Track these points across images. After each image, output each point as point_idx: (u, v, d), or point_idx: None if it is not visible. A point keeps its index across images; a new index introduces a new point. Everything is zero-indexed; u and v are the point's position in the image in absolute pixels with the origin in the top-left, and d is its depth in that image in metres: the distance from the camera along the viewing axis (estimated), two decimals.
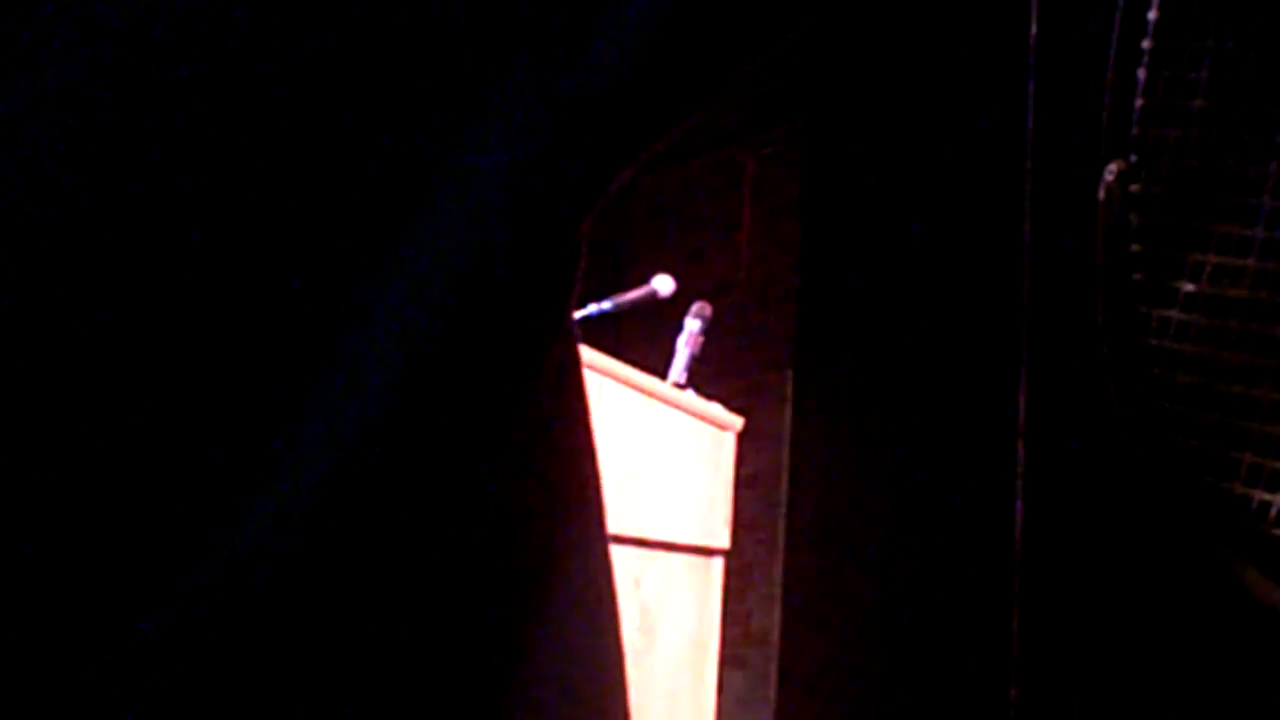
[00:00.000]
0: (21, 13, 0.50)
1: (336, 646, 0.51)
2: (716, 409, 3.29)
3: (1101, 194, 1.24)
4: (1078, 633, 1.68)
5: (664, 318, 3.76)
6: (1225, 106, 1.18)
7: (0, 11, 0.50)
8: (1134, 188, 1.22)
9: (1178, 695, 1.57)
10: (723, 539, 3.24)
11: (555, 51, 0.52)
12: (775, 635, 4.21)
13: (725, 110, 5.24)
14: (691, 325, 3.49)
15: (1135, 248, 1.23)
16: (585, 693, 0.61)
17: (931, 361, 2.33)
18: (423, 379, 0.51)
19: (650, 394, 3.18)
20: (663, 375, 3.35)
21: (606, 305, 3.67)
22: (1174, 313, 1.21)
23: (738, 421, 3.30)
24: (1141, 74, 1.22)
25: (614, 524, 2.83)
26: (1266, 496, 1.17)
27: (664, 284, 3.79)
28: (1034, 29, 1.75)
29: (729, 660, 3.80)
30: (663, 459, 3.16)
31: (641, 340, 4.05)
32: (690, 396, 3.30)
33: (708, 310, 3.54)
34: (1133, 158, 1.22)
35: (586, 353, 2.91)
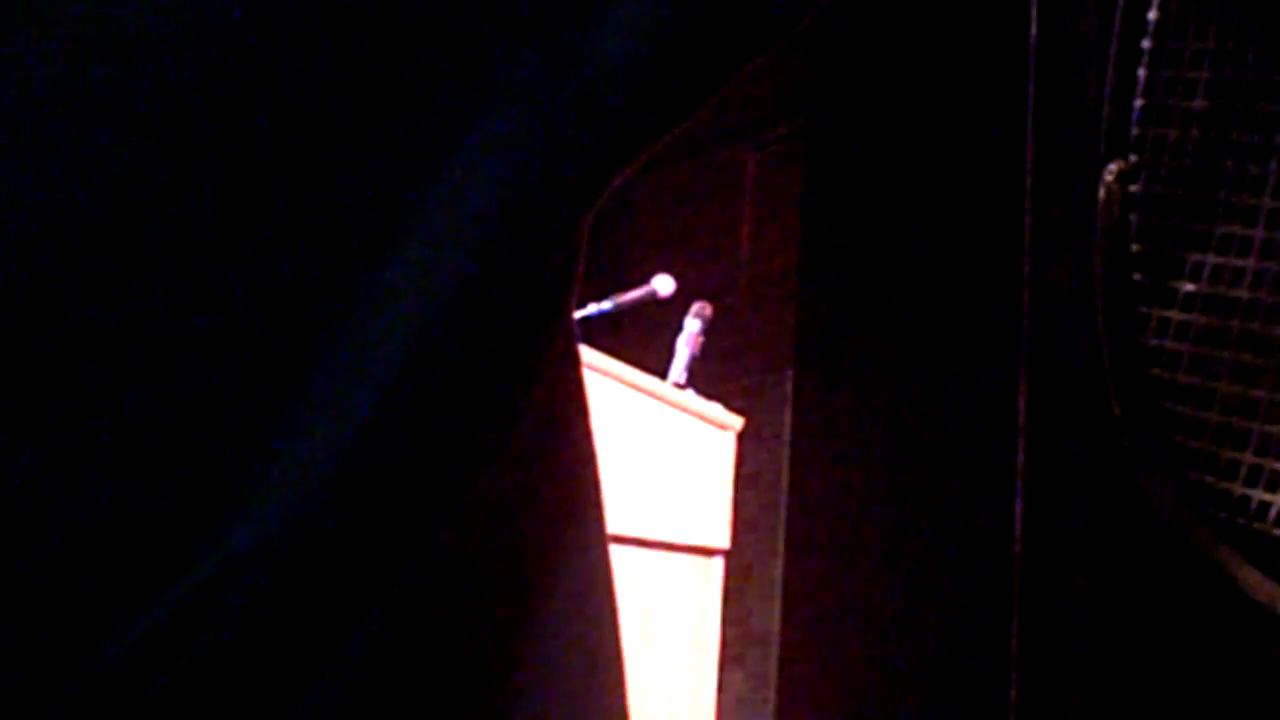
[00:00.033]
0: (23, 11, 0.50)
1: (334, 646, 0.51)
2: (716, 409, 3.29)
3: (1101, 194, 1.24)
4: (1078, 633, 1.68)
5: (664, 318, 3.76)
6: (1225, 106, 1.18)
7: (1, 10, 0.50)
8: (1134, 188, 1.22)
9: (1178, 695, 1.57)
10: (723, 539, 3.24)
11: (556, 50, 0.52)
12: (775, 635, 4.21)
13: (725, 110, 5.24)
14: (691, 325, 3.49)
15: (1135, 248, 1.23)
16: (585, 692, 0.60)
17: (931, 361, 2.33)
18: (422, 378, 0.51)
19: (650, 394, 3.18)
20: (663, 375, 3.35)
21: (606, 305, 3.67)
22: (1174, 313, 1.21)
23: (738, 421, 3.30)
24: (1141, 74, 1.22)
25: (614, 524, 2.83)
26: (1266, 496, 1.17)
27: (664, 284, 3.79)
28: (1034, 29, 1.75)
29: (729, 660, 3.80)
30: (663, 459, 3.16)
31: (641, 340, 4.05)
32: (690, 396, 3.30)
33: (708, 310, 3.54)
34: (1133, 158, 1.22)
35: (586, 353, 2.91)
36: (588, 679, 0.61)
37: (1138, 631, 1.62)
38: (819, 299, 2.71)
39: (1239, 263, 1.19)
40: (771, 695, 4.13)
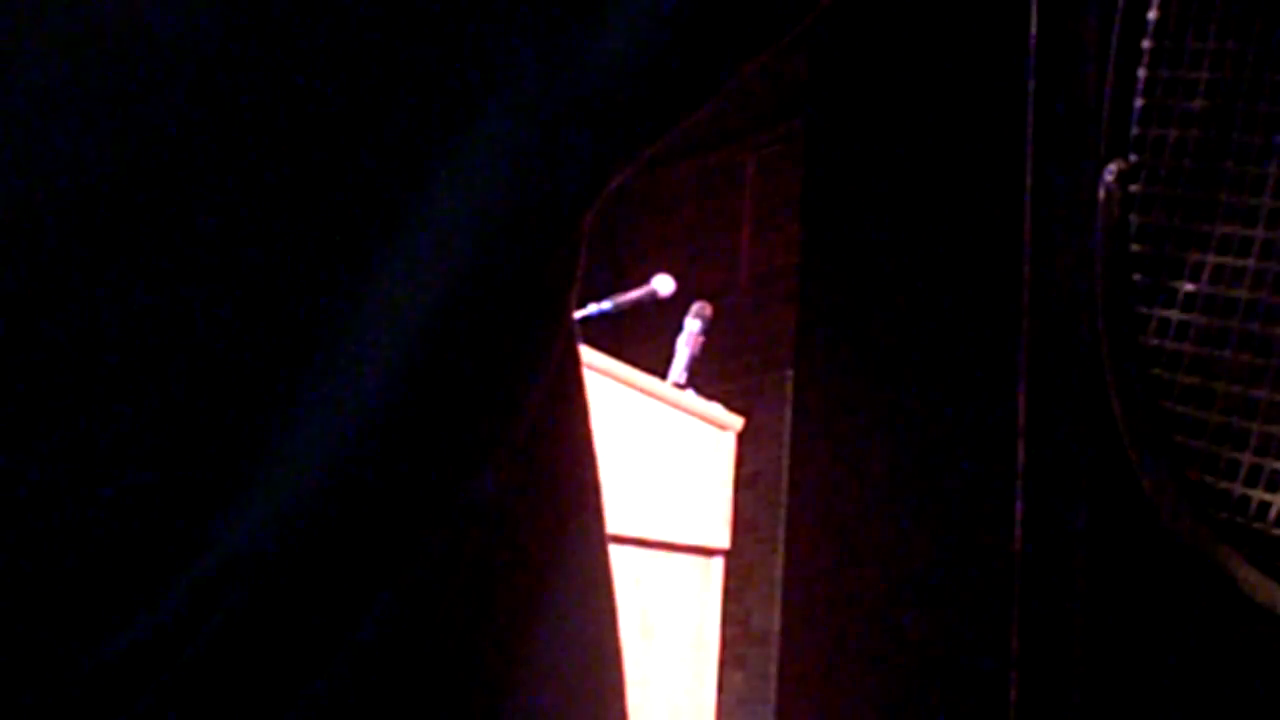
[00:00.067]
0: (22, 9, 0.50)
1: (333, 644, 0.51)
2: (716, 409, 3.29)
3: (1101, 194, 1.24)
4: (1078, 633, 1.68)
5: (664, 318, 3.76)
6: (1225, 106, 1.18)
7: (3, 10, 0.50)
8: (1134, 188, 1.22)
9: (1178, 695, 1.57)
10: (723, 539, 3.24)
11: (556, 48, 0.52)
12: (775, 635, 4.21)
13: (725, 110, 5.24)
14: (691, 325, 3.49)
15: (1135, 248, 1.23)
16: (584, 692, 0.61)
17: (931, 361, 2.33)
18: (421, 378, 0.51)
19: (650, 394, 3.18)
20: (663, 375, 3.35)
21: (606, 305, 3.67)
22: (1174, 313, 1.21)
23: (738, 421, 3.30)
24: (1141, 74, 1.22)
25: (614, 524, 2.83)
26: (1266, 496, 1.17)
27: (664, 284, 3.80)
28: (1034, 29, 1.75)
29: (729, 660, 3.80)
30: (663, 459, 3.16)
31: (641, 340, 4.05)
32: (690, 396, 3.30)
33: (708, 310, 3.54)
34: (1133, 158, 1.22)
35: (586, 353, 2.91)
36: (587, 678, 0.61)
37: (1138, 631, 1.62)
38: (819, 299, 2.71)
39: (1239, 263, 1.19)
40: (771, 695, 4.13)
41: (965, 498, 2.16)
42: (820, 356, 2.65)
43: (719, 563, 3.23)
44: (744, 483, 3.74)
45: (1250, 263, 1.18)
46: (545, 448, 0.59)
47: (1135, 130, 1.23)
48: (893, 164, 2.46)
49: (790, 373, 3.67)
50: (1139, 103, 1.22)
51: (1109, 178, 1.23)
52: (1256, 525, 1.17)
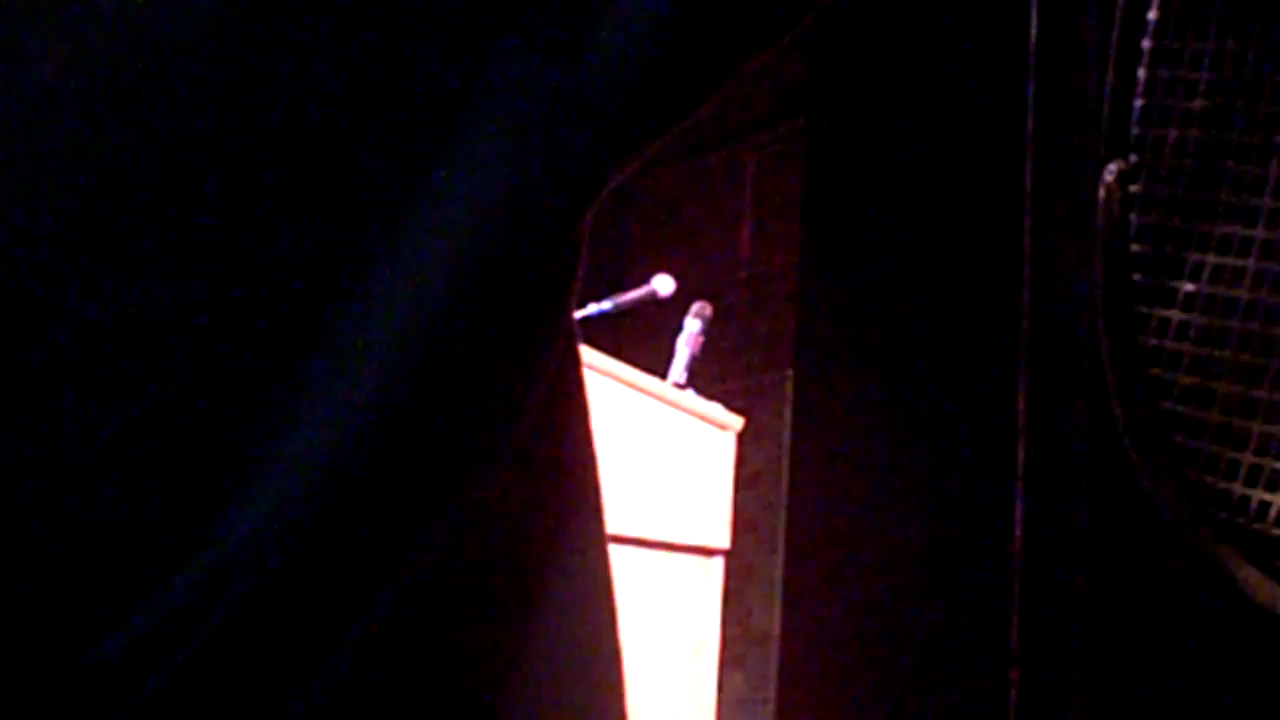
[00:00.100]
0: (25, 8, 0.50)
1: (332, 641, 0.51)
2: (716, 409, 3.29)
3: (1101, 194, 1.24)
4: (1078, 633, 1.68)
5: (664, 318, 3.76)
6: (1225, 106, 1.18)
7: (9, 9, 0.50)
8: (1134, 188, 1.22)
9: (1178, 695, 1.57)
10: (723, 539, 3.24)
11: (556, 46, 0.52)
12: (775, 635, 4.21)
13: (725, 110, 5.23)
14: (691, 325, 3.49)
15: (1135, 248, 1.23)
16: (583, 692, 0.60)
17: (931, 361, 2.33)
18: (421, 377, 0.51)
19: (650, 394, 3.18)
20: (663, 375, 3.35)
21: (606, 305, 3.67)
22: (1174, 313, 1.21)
23: (738, 421, 3.30)
24: (1141, 74, 1.22)
25: (614, 524, 2.83)
26: (1266, 496, 1.17)
27: (664, 284, 3.79)
28: (1034, 29, 1.75)
29: (729, 660, 3.80)
30: (663, 459, 3.16)
31: (641, 340, 4.05)
32: (690, 396, 3.30)
33: (708, 310, 3.54)
34: (1133, 158, 1.22)
35: (586, 353, 2.91)
36: (587, 678, 0.61)
37: (1138, 631, 1.62)
38: (819, 299, 2.71)
39: (1239, 263, 1.19)
40: (771, 695, 4.13)
41: (965, 498, 2.16)
42: (820, 356, 2.65)
43: (719, 563, 3.23)
44: (744, 483, 3.74)
45: (1250, 263, 1.18)
46: (545, 448, 0.59)
47: (1135, 130, 1.23)
48: (893, 164, 2.46)
49: (790, 373, 3.67)
50: (1139, 103, 1.22)
51: (1109, 178, 1.23)
52: (1256, 525, 1.17)
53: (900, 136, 2.45)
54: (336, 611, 0.51)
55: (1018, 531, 1.75)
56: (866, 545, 2.42)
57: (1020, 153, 1.79)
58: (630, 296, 3.76)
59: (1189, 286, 1.21)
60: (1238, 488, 1.18)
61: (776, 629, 4.19)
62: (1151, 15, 1.21)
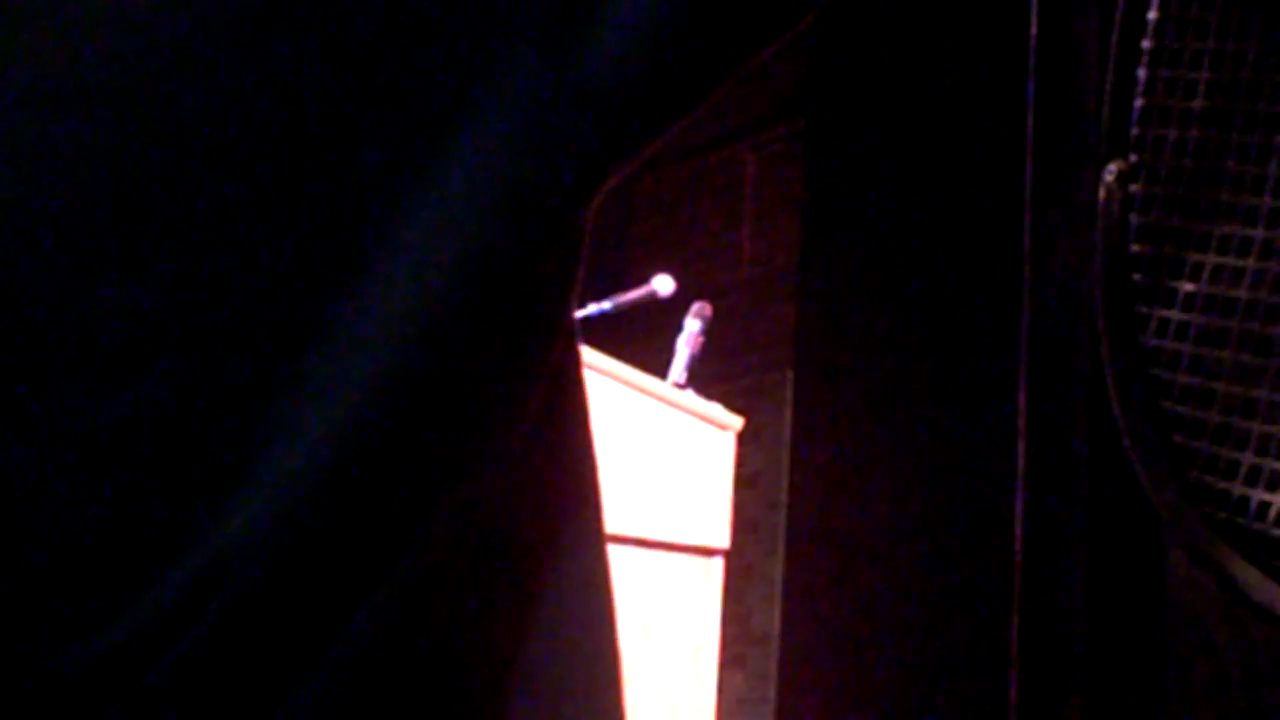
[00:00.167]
0: (26, 7, 0.50)
1: (328, 637, 0.51)
2: (716, 409, 3.29)
3: (1101, 194, 1.23)
4: (1078, 633, 1.68)
5: (664, 318, 3.76)
6: (1225, 106, 1.18)
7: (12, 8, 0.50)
8: (1134, 188, 1.22)
9: (1178, 695, 1.57)
10: (723, 539, 3.24)
11: (555, 47, 0.52)
12: (775, 635, 4.21)
13: (725, 110, 5.24)
14: (691, 325, 3.49)
15: (1135, 248, 1.23)
16: (582, 692, 0.60)
17: (932, 361, 2.33)
18: (418, 374, 0.51)
19: (650, 394, 3.18)
20: (663, 375, 3.35)
21: (606, 305, 3.67)
22: (1174, 313, 1.21)
23: (738, 421, 3.30)
24: (1141, 74, 1.22)
25: (614, 524, 2.83)
26: (1266, 496, 1.17)
27: (664, 284, 3.79)
28: (1034, 29, 1.75)
29: (729, 660, 3.80)
30: (663, 459, 3.16)
31: (641, 340, 4.05)
32: (690, 396, 3.30)
33: (708, 310, 3.54)
34: (1133, 158, 1.22)
35: (586, 353, 2.91)
36: (585, 678, 0.61)
37: (1138, 631, 1.62)
38: (819, 299, 2.71)
39: (1239, 263, 1.19)
40: (771, 695, 4.13)
41: (965, 498, 2.16)
42: (820, 356, 2.66)
43: (719, 563, 3.23)
44: (744, 483, 3.74)
45: (1250, 263, 1.18)
46: (545, 448, 0.59)
47: (1135, 130, 1.22)
48: (893, 164, 2.46)
49: (790, 373, 3.67)
50: (1139, 103, 1.22)
51: (1109, 178, 1.23)
52: (1256, 525, 1.17)
53: (900, 136, 2.45)
54: (332, 610, 0.51)
55: (1018, 531, 1.75)
56: (866, 545, 2.42)
57: (1020, 153, 1.79)
58: (630, 296, 3.76)
59: (1189, 286, 1.21)
60: (1238, 488, 1.17)
61: (776, 629, 4.19)
62: (1151, 15, 1.21)
